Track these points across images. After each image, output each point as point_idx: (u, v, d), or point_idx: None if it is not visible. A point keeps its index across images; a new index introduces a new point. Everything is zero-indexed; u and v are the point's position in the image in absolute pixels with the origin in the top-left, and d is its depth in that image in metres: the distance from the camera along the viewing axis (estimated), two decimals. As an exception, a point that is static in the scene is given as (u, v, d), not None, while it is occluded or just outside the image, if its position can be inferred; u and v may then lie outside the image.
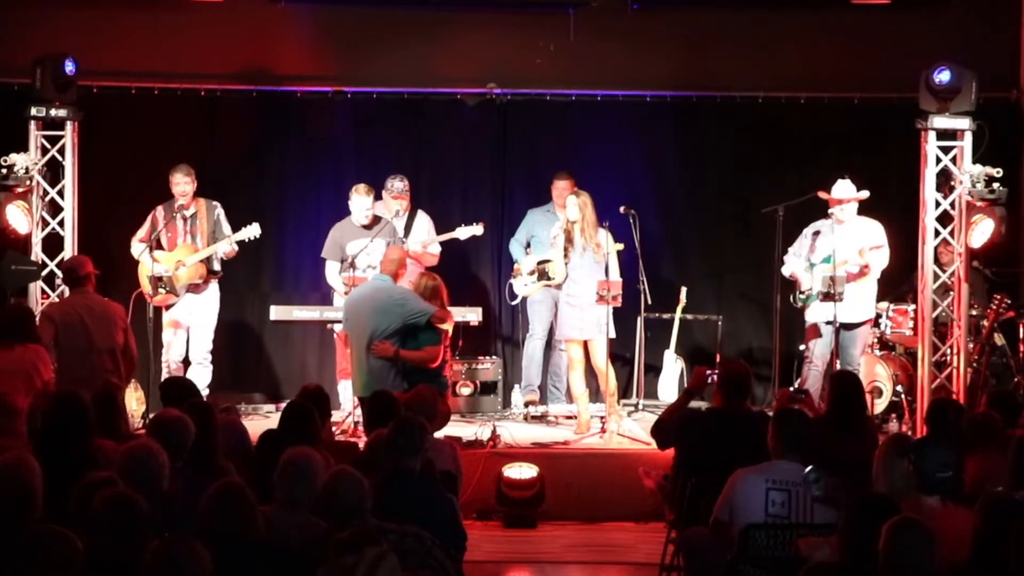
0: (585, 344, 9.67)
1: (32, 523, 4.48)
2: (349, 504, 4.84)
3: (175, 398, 6.68)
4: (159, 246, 10.15)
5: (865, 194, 9.81)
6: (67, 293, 9.25)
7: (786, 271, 10.07)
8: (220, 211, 10.31)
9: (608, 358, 9.60)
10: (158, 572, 4.10)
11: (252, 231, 10.14)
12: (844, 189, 9.83)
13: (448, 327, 9.04)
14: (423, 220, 10.60)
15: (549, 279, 10.21)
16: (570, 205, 9.67)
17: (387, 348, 8.66)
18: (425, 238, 10.49)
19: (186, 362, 10.32)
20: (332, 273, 10.31)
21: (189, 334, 10.30)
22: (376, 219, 10.28)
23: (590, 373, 9.91)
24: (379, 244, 10.05)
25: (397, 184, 10.44)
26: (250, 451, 6.67)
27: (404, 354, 8.68)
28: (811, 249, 9.82)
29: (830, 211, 9.80)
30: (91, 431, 6.04)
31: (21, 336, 8.08)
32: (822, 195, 9.88)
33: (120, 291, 10.42)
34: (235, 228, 10.22)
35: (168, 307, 10.16)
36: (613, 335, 9.72)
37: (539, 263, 10.35)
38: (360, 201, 10.19)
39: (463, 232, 10.54)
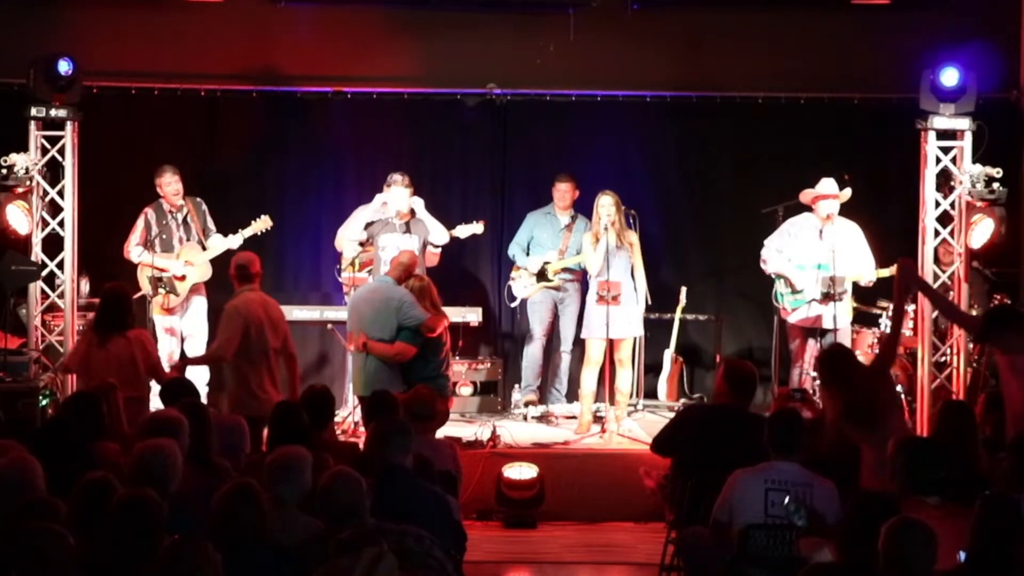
0: (611, 343, 9.67)
1: (35, 523, 4.47)
2: (347, 504, 4.84)
3: (175, 398, 6.68)
4: (153, 248, 10.14)
5: (848, 193, 9.84)
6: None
7: (770, 268, 10.10)
8: (205, 207, 10.35)
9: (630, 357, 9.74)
10: (170, 573, 4.10)
11: (263, 224, 10.15)
12: (829, 186, 9.87)
13: (439, 329, 9.00)
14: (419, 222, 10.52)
15: (548, 280, 10.21)
16: (606, 205, 9.72)
17: (359, 339, 8.67)
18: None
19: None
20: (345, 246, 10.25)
21: (183, 335, 10.29)
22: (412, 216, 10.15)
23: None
24: (413, 241, 9.96)
25: (396, 176, 10.33)
26: (245, 448, 6.67)
27: (371, 346, 8.65)
28: (820, 237, 9.84)
29: (827, 211, 9.85)
30: (98, 432, 6.04)
31: (124, 322, 8.05)
32: (804, 199, 9.90)
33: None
34: (227, 227, 10.23)
35: (170, 309, 10.14)
36: (642, 333, 9.87)
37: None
38: (399, 192, 9.93)
39: (463, 231, 10.51)
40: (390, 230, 9.95)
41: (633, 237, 9.82)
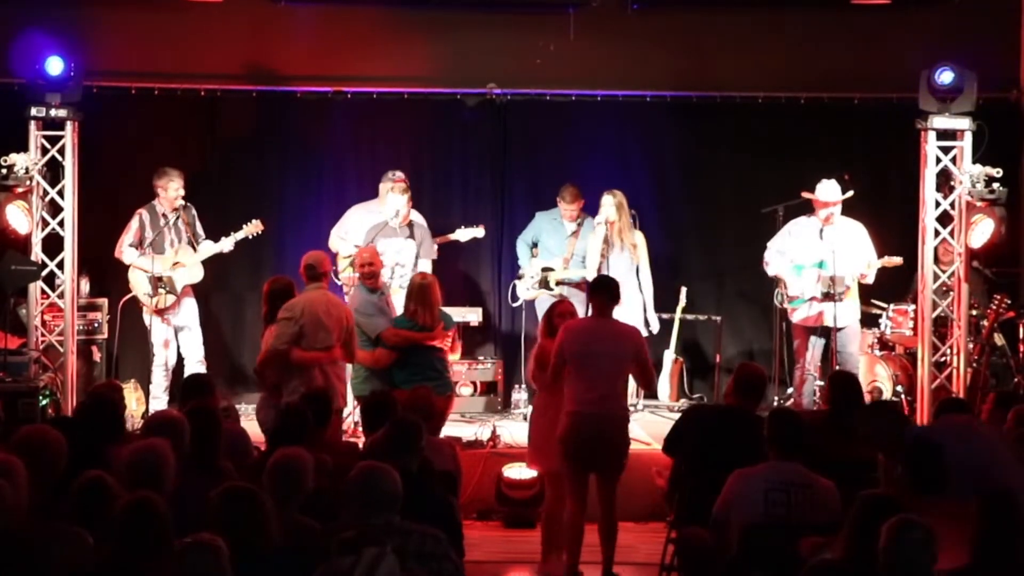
0: None
1: (14, 523, 4.45)
2: (384, 498, 4.78)
3: (190, 396, 6.67)
4: (145, 249, 10.13)
5: (849, 194, 9.89)
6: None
7: (771, 271, 10.17)
8: (195, 213, 10.35)
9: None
10: (183, 573, 4.11)
11: (254, 227, 10.15)
12: (830, 190, 9.89)
13: (442, 343, 8.89)
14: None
15: (550, 288, 10.24)
16: (606, 205, 9.76)
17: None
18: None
19: (178, 365, 10.32)
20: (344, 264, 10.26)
21: (179, 338, 10.29)
22: (410, 221, 10.09)
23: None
24: (411, 244, 9.94)
25: (390, 180, 10.25)
26: (250, 452, 6.67)
27: (357, 353, 8.67)
28: (820, 237, 9.88)
29: (826, 213, 9.89)
30: (111, 435, 6.02)
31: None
32: (806, 195, 9.96)
33: (119, 293, 10.44)
34: (226, 228, 10.22)
35: (165, 310, 10.14)
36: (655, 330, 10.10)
37: (543, 270, 10.37)
38: (395, 200, 9.94)
39: (463, 234, 10.50)
40: (389, 234, 9.94)
41: (638, 238, 9.83)
